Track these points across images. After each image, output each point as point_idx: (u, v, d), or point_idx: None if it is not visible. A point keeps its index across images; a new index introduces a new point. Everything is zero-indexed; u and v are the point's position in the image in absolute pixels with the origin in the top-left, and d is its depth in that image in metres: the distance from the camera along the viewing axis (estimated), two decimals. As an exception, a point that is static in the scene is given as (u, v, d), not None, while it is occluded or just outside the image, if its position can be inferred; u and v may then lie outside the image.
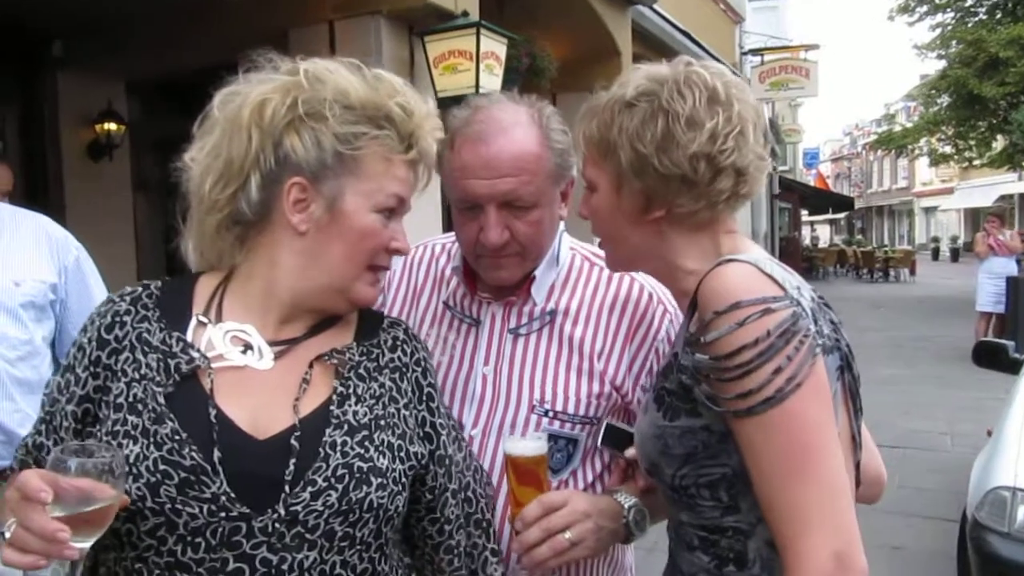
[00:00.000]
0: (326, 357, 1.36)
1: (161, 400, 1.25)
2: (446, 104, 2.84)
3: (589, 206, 1.49)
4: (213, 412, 1.25)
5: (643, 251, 1.46)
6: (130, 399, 1.27)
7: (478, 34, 5.80)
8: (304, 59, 1.37)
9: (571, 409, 1.69)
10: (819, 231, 66.10)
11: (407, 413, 1.40)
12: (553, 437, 1.67)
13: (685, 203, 1.37)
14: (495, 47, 6.04)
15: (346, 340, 1.41)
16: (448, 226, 1.86)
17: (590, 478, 1.73)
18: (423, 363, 1.47)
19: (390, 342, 1.45)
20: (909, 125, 29.78)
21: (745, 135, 1.36)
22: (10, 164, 4.19)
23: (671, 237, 1.42)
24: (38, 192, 6.22)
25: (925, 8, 22.31)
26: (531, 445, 1.56)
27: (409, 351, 1.46)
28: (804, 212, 38.06)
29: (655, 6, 10.17)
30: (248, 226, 1.37)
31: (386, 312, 1.88)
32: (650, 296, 1.75)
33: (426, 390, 1.45)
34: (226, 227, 1.37)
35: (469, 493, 1.50)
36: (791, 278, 1.32)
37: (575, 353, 1.72)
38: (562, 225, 1.80)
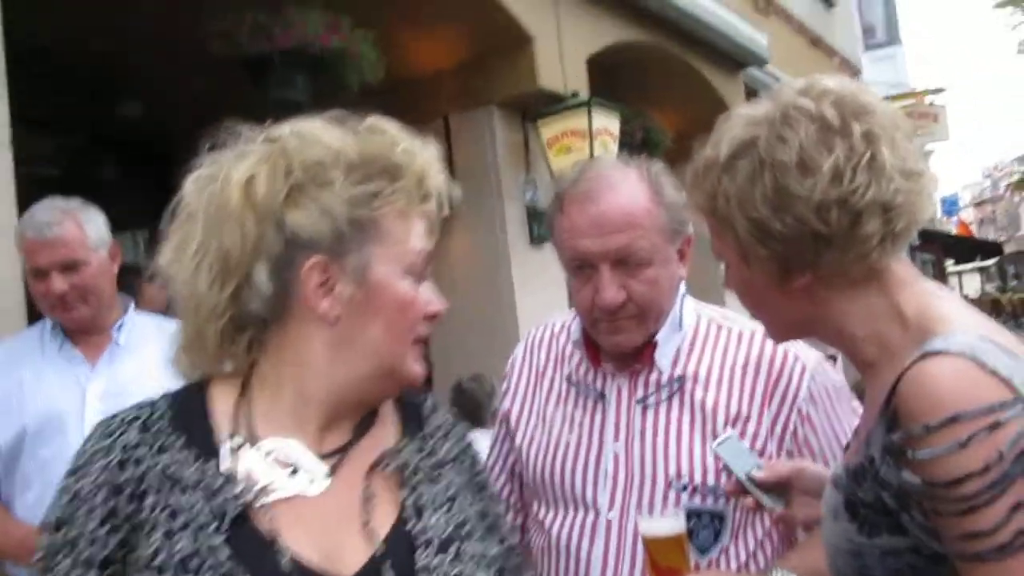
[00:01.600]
0: (381, 465, 1.18)
1: (224, 554, 1.03)
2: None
3: (729, 279, 1.28)
4: (284, 559, 1.05)
5: (801, 322, 1.22)
6: (176, 558, 1.02)
7: (589, 112, 5.85)
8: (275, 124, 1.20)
9: (711, 481, 1.58)
10: (964, 281, 62.67)
11: (474, 510, 1.24)
12: (696, 513, 1.57)
13: (829, 261, 1.12)
14: (608, 123, 6.07)
15: (392, 436, 1.23)
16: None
17: (743, 556, 1.60)
18: (469, 448, 1.32)
19: (440, 431, 1.29)
20: (1056, 160, 28.20)
21: (879, 160, 1.09)
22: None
23: (829, 301, 1.16)
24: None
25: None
26: (666, 524, 1.45)
27: (459, 436, 1.31)
28: (949, 262, 36.20)
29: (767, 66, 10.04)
30: (260, 328, 1.17)
31: (510, 396, 1.83)
32: (785, 353, 1.63)
33: (479, 476, 1.31)
34: (229, 337, 1.16)
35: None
36: (1019, 367, 1.03)
37: (709, 420, 1.61)
38: (683, 287, 1.72)
